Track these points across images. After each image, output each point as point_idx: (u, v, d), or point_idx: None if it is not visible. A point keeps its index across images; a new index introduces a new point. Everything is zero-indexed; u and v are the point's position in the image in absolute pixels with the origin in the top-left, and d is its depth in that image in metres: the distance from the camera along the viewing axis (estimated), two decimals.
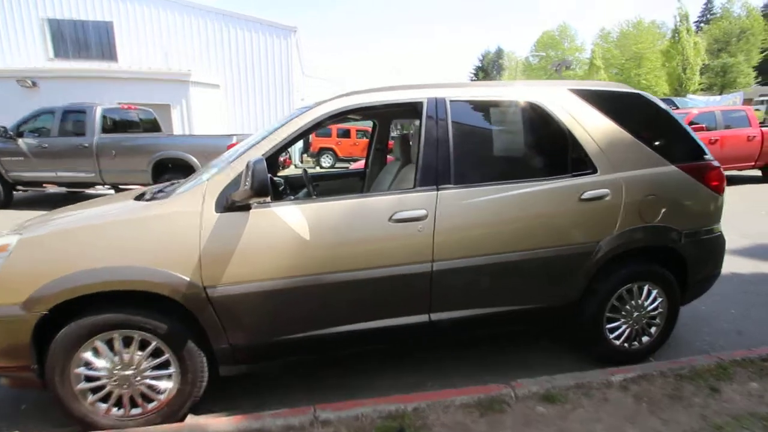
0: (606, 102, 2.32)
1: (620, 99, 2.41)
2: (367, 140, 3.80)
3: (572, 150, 2.24)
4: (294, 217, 1.90)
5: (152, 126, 8.10)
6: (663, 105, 2.53)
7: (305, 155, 16.34)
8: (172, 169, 6.63)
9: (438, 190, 2.05)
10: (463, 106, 2.19)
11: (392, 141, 3.49)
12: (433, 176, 2.07)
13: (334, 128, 15.21)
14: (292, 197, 2.47)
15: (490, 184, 2.12)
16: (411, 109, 2.23)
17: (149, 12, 13.86)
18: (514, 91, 2.28)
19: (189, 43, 14.00)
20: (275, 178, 2.49)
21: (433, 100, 2.12)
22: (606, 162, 2.23)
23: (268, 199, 1.81)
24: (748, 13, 33.19)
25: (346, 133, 15.56)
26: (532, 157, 2.42)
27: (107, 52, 13.99)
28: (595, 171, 2.23)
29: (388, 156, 3.74)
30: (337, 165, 15.37)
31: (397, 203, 2.00)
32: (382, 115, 3.42)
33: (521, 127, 2.32)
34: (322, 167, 15.28)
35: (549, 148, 2.35)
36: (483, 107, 2.32)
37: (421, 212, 2.01)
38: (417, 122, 2.20)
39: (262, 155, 1.92)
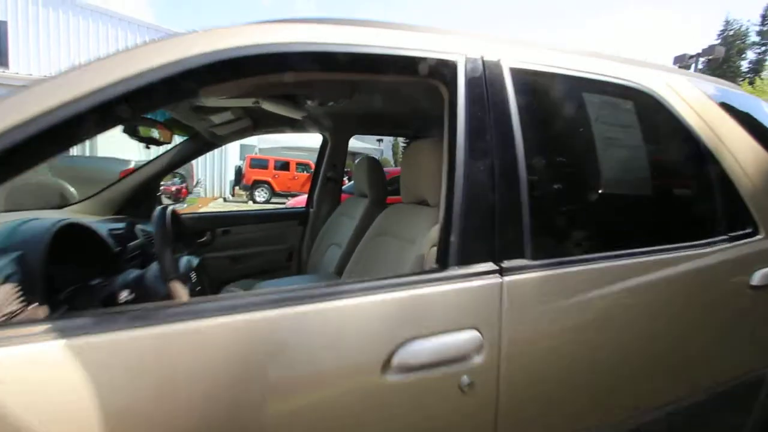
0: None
1: None
2: (309, 175, 2.47)
3: (724, 194, 1.15)
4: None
5: None
6: None
7: (237, 188, 14.49)
8: None
9: (502, 274, 0.82)
10: (540, 82, 1.01)
11: (351, 168, 2.22)
12: (485, 239, 0.83)
13: (271, 160, 13.71)
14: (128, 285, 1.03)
15: (601, 258, 0.93)
16: (416, 88, 1.03)
17: (48, 14, 11.72)
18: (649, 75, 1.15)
19: (98, 50, 11.96)
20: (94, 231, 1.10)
21: (478, 62, 0.92)
22: None
23: None
24: None
25: (284, 166, 14.09)
26: (664, 202, 1.24)
27: None
28: (755, 231, 1.16)
29: (344, 192, 2.49)
30: (273, 200, 13.74)
31: (399, 316, 0.73)
32: (339, 117, 2.17)
33: (647, 141, 1.17)
34: (255, 202, 13.53)
35: (693, 188, 1.23)
36: (581, 92, 1.14)
37: (466, 336, 0.75)
38: (443, 113, 0.94)
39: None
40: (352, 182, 2.21)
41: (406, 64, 0.85)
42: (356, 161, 2.17)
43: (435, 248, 1.02)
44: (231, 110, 1.56)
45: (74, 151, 10.06)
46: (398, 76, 0.93)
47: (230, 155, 14.70)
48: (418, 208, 1.25)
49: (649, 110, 1.13)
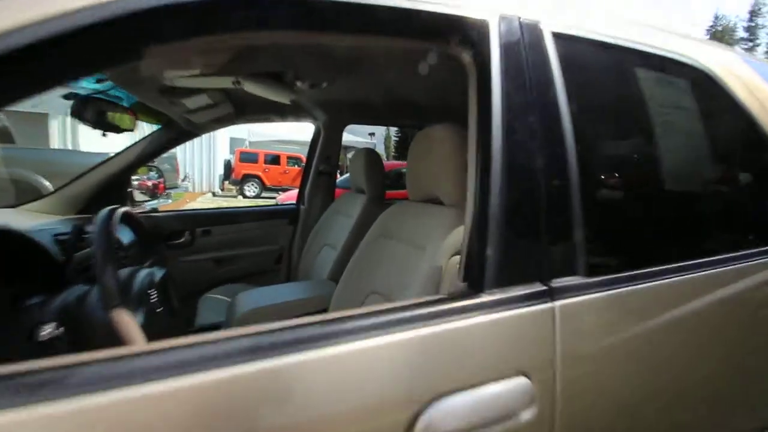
0: None
1: None
2: (300, 169, 2.22)
3: None
4: None
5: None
6: None
7: (227, 182, 14.15)
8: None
9: (553, 297, 0.62)
10: (588, 52, 0.80)
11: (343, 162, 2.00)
12: (530, 252, 0.64)
13: (261, 153, 13.38)
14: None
15: (679, 271, 0.74)
16: (430, 60, 0.83)
17: None
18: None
19: None
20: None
21: (514, 23, 0.71)
22: None
23: None
24: None
25: (275, 160, 13.76)
26: (738, 200, 1.02)
27: None
28: None
29: (338, 187, 2.27)
30: (264, 195, 13.46)
31: (424, 364, 0.53)
32: (334, 103, 1.96)
33: (710, 128, 0.97)
34: (245, 197, 13.23)
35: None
36: (636, 68, 0.91)
37: (512, 386, 0.55)
38: (469, 90, 0.73)
39: None
40: (346, 175, 2.00)
41: (419, 23, 0.64)
42: (351, 155, 1.96)
43: (455, 258, 0.83)
44: (207, 93, 1.34)
45: (57, 143, 9.70)
46: (407, 40, 0.72)
47: (219, 149, 14.36)
48: (429, 207, 1.05)
49: (709, 93, 0.94)
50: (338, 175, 2.78)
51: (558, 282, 0.64)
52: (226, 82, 1.20)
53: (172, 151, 8.75)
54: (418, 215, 1.07)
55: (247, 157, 13.29)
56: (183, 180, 13.31)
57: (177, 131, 1.75)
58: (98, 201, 1.73)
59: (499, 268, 0.61)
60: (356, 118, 2.15)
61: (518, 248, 0.63)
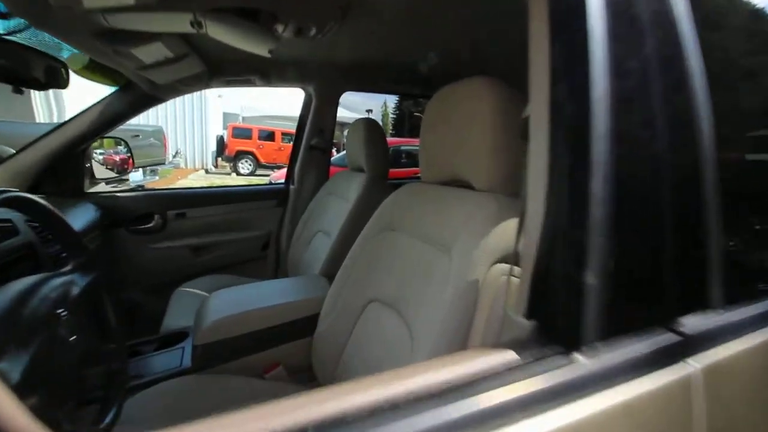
0: None
1: None
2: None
3: None
4: None
5: None
6: None
7: (220, 159, 13.73)
8: None
9: (687, 350, 0.37)
10: None
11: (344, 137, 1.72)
12: (648, 280, 0.38)
13: (255, 129, 12.93)
14: None
15: None
16: None
17: None
18: None
19: None
20: None
21: None
22: None
23: None
24: None
25: (269, 136, 13.30)
26: None
27: None
28: None
29: (332, 165, 1.99)
30: (259, 173, 13.10)
31: None
32: (328, 63, 1.65)
33: None
34: (239, 174, 12.86)
35: None
36: None
37: None
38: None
39: None
40: (342, 153, 1.71)
41: None
42: (348, 127, 1.67)
43: (498, 269, 0.57)
44: (164, 42, 1.04)
45: (43, 116, 9.29)
46: None
47: (211, 124, 13.88)
48: (454, 193, 0.79)
49: None
50: (333, 153, 2.50)
51: (689, 323, 0.38)
52: (182, 23, 0.90)
53: (159, 124, 8.33)
54: (439, 203, 0.80)
55: (241, 133, 12.85)
56: (175, 156, 12.90)
57: (136, 95, 1.45)
58: (50, 176, 1.46)
59: (603, 305, 0.35)
60: (355, 84, 1.84)
61: (631, 269, 0.37)
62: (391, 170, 1.61)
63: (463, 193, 0.76)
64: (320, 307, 1.03)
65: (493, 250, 0.59)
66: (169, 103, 11.77)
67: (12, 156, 1.38)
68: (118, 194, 1.63)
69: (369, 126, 1.49)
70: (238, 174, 12.81)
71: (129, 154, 1.95)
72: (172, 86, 1.45)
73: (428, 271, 0.74)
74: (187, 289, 1.52)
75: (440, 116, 0.82)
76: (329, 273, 1.24)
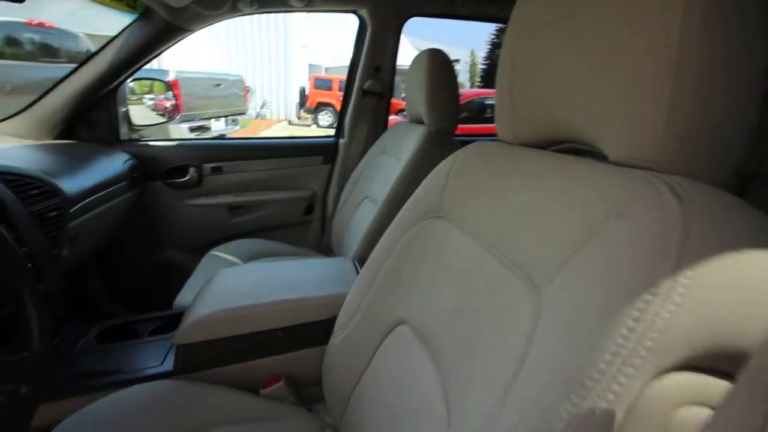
0: None
1: None
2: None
3: None
4: None
5: (80, 57, 5.85)
6: None
7: (302, 110, 13.96)
8: None
9: None
10: None
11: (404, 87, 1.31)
12: None
13: (336, 80, 12.75)
14: None
15: None
16: None
17: None
18: None
19: None
20: None
21: None
22: None
23: None
24: None
25: None
26: None
27: None
28: None
29: (391, 115, 1.62)
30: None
31: None
32: None
33: None
34: (320, 126, 12.99)
35: None
36: None
37: None
38: None
39: None
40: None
41: None
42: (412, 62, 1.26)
43: (674, 378, 0.18)
44: None
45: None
46: None
47: (296, 75, 14.04)
48: (568, 166, 0.40)
49: None
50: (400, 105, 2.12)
51: None
52: None
53: (241, 74, 8.49)
54: (531, 185, 0.42)
55: (322, 84, 12.78)
56: (262, 107, 13.41)
57: (158, 25, 1.21)
58: (82, 122, 1.34)
59: None
60: (424, 4, 1.40)
61: None
62: (471, 126, 1.21)
63: (589, 168, 0.37)
64: (339, 310, 0.75)
65: (672, 330, 0.21)
66: (254, 53, 12.00)
67: (36, 101, 1.27)
68: (152, 143, 1.47)
69: (434, 59, 1.08)
70: (318, 126, 12.95)
71: (176, 101, 1.79)
72: (194, 12, 1.19)
73: (496, 310, 0.38)
74: (218, 254, 1.34)
75: (557, 15, 0.41)
76: (364, 257, 0.93)
